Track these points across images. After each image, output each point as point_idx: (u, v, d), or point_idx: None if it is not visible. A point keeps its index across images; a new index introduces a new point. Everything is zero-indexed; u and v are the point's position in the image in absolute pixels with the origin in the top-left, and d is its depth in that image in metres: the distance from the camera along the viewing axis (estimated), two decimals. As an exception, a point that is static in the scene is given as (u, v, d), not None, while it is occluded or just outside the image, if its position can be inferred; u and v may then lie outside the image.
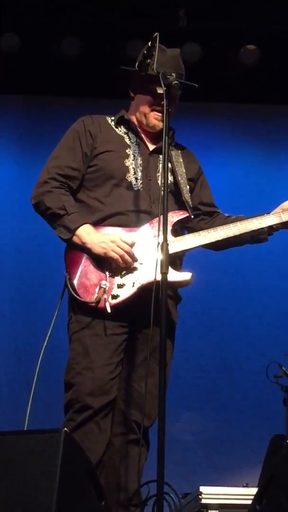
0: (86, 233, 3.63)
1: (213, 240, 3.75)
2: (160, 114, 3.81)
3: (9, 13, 6.40)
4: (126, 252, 3.61)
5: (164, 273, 3.27)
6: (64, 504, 2.76)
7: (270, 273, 6.80)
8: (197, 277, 6.53)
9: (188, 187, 3.90)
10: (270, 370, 5.39)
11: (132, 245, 3.63)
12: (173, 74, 3.48)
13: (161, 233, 3.37)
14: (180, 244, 3.72)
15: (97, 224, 3.70)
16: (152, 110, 3.86)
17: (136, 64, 3.65)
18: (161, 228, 3.34)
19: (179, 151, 4.00)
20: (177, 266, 3.74)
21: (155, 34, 3.46)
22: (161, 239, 3.45)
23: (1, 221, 6.75)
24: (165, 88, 3.42)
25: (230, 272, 6.77)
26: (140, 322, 3.67)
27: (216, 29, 6.64)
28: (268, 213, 3.83)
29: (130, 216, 3.73)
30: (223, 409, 6.54)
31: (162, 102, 3.56)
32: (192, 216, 3.85)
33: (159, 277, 3.34)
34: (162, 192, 3.38)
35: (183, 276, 3.70)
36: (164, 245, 3.30)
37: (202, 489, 4.22)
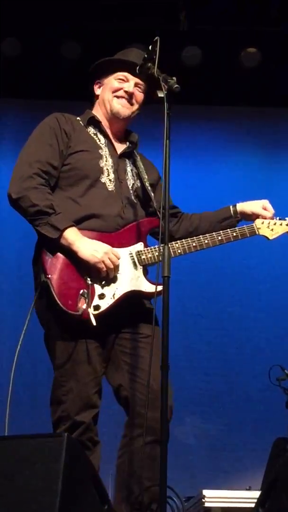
0: (74, 235, 3.61)
1: (195, 249, 3.78)
2: (124, 101, 3.89)
3: (10, 18, 6.41)
4: (114, 266, 3.62)
5: (166, 277, 3.28)
6: (67, 508, 2.76)
7: (273, 277, 6.79)
8: (199, 281, 6.57)
9: (152, 193, 3.91)
10: (273, 373, 5.38)
11: (119, 258, 3.65)
12: (174, 78, 3.48)
13: (137, 244, 3.67)
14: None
15: (79, 224, 3.67)
16: (114, 97, 3.90)
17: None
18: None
19: (142, 160, 4.01)
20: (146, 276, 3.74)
21: (156, 38, 3.46)
22: (136, 248, 3.69)
23: (1, 227, 6.74)
24: (165, 92, 3.42)
25: (233, 276, 6.78)
26: (125, 326, 3.71)
27: (217, 32, 6.64)
28: (234, 205, 3.94)
29: (104, 220, 3.73)
30: (226, 412, 6.54)
31: (124, 87, 3.86)
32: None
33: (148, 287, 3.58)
34: (162, 194, 3.43)
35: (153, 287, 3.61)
36: (166, 248, 3.31)
37: (205, 492, 4.22)
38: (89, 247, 3.59)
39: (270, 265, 6.63)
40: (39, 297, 3.62)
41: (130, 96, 3.90)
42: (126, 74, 3.90)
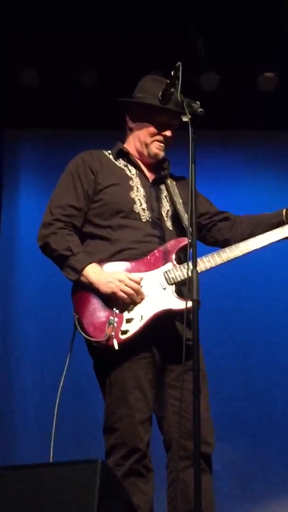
0: (93, 273, 3.67)
1: (226, 260, 3.78)
2: (162, 144, 3.95)
3: (28, 48, 6.46)
4: (135, 290, 3.63)
5: (196, 301, 3.27)
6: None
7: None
8: (220, 305, 6.56)
9: (186, 215, 3.90)
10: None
11: (139, 282, 3.66)
12: (197, 102, 3.51)
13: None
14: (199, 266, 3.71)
15: (110, 258, 3.74)
16: (154, 141, 3.95)
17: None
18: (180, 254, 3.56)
19: (174, 182, 4.05)
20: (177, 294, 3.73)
21: (178, 63, 3.49)
22: (164, 268, 3.69)
23: (28, 258, 6.76)
24: (190, 116, 3.45)
25: (254, 299, 6.76)
26: (161, 351, 3.71)
27: (234, 58, 6.67)
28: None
29: (137, 249, 3.77)
30: (252, 436, 6.48)
31: (163, 133, 3.90)
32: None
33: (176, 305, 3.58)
34: (189, 216, 3.45)
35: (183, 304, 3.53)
36: (194, 272, 3.31)
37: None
38: (104, 282, 3.64)
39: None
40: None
41: (168, 140, 3.96)
42: (166, 120, 3.92)
